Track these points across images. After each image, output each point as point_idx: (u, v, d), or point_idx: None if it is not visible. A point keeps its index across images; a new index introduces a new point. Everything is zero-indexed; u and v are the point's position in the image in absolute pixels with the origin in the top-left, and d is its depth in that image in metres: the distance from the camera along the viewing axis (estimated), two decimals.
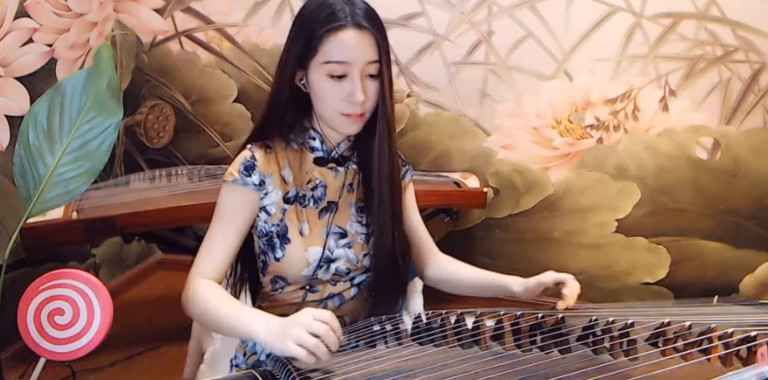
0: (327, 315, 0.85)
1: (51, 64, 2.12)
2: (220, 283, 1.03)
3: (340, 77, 1.00)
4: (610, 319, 0.93)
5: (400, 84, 2.37)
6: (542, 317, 0.97)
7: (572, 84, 2.23)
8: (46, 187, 1.43)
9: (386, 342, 0.98)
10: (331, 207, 1.13)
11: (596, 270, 2.38)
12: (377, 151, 1.08)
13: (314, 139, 1.10)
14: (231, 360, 1.22)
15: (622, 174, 2.26)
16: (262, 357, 1.17)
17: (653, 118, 2.19)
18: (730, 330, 0.85)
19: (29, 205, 1.43)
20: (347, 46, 0.98)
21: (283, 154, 1.10)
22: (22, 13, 1.98)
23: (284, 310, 1.13)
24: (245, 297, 1.21)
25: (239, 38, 2.51)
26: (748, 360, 0.83)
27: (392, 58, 1.08)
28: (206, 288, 1.00)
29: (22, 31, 2.00)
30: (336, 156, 1.12)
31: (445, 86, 2.35)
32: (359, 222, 1.14)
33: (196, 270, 1.03)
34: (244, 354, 1.19)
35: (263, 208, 1.08)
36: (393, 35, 1.03)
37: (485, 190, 2.21)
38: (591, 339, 0.92)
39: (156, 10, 2.55)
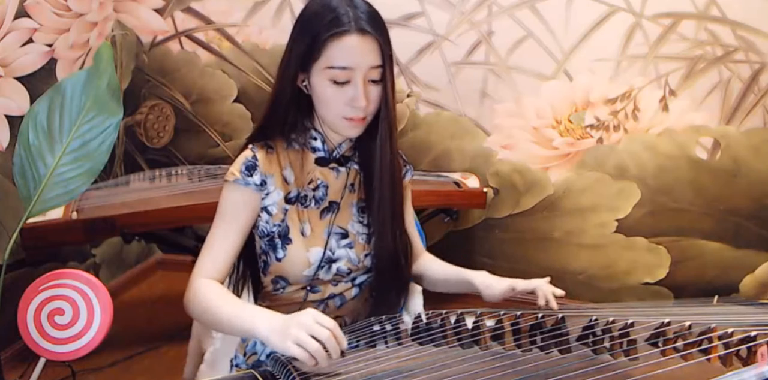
0: (330, 321, 0.84)
1: (51, 64, 2.12)
2: (222, 283, 1.03)
3: (343, 82, 1.00)
4: (610, 319, 0.93)
5: (400, 84, 2.37)
6: (542, 317, 0.97)
7: (572, 84, 2.23)
8: (46, 187, 1.43)
9: (386, 342, 0.98)
10: (333, 207, 1.13)
11: (596, 270, 2.38)
12: (379, 152, 1.08)
13: (315, 139, 1.10)
14: (231, 360, 1.22)
15: (622, 174, 2.26)
16: (262, 357, 1.17)
17: (653, 118, 2.19)
18: (730, 330, 0.85)
19: (29, 205, 1.43)
20: (351, 51, 0.98)
21: (284, 154, 1.10)
22: (22, 13, 1.98)
23: (286, 310, 1.13)
24: (248, 296, 1.21)
25: (239, 38, 2.51)
26: (748, 360, 0.83)
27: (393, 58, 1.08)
28: (208, 287, 1.00)
29: (22, 31, 2.00)
30: (337, 156, 1.12)
31: (445, 86, 2.35)
32: (360, 222, 1.14)
33: (198, 270, 1.03)
34: (245, 354, 1.19)
35: (264, 208, 1.08)
36: (393, 35, 1.03)
37: (485, 190, 2.21)
38: (591, 339, 0.92)
39: (156, 10, 2.55)
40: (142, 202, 1.98)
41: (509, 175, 2.38)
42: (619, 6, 2.11)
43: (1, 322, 1.81)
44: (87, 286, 1.40)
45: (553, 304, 1.06)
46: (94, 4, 2.32)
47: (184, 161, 2.72)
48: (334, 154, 1.12)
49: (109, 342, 1.50)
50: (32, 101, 2.00)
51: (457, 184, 2.23)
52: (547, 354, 0.92)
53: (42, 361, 1.55)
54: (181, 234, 2.30)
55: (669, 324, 0.89)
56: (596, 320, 0.94)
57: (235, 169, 1.06)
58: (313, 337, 0.82)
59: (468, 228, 2.47)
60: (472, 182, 2.25)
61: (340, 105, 1.01)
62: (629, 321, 0.90)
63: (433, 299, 1.42)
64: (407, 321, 1.03)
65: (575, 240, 2.37)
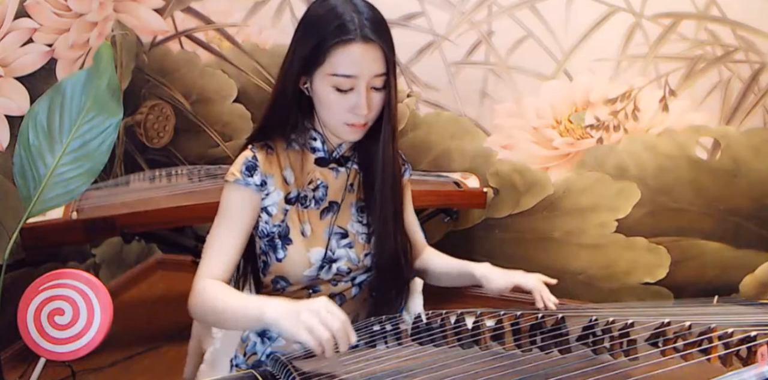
0: (342, 313, 0.84)
1: (51, 64, 2.12)
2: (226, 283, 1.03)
3: (346, 90, 0.99)
4: (610, 319, 0.93)
5: (400, 84, 2.35)
6: (542, 317, 0.97)
7: (572, 84, 2.23)
8: (46, 187, 1.43)
9: (386, 342, 0.98)
10: (333, 207, 1.13)
11: (596, 270, 2.38)
12: (381, 155, 1.08)
13: (315, 139, 1.11)
14: (231, 360, 1.22)
15: (622, 174, 2.26)
16: (263, 357, 1.17)
17: (653, 118, 2.19)
18: (730, 330, 0.85)
19: (29, 205, 1.43)
20: (355, 60, 0.97)
21: (284, 154, 1.10)
22: (22, 13, 1.98)
23: None
24: (249, 294, 1.21)
25: (239, 38, 2.51)
26: (748, 360, 0.83)
27: None
28: (213, 286, 0.99)
29: (22, 31, 2.00)
30: (337, 156, 1.12)
31: (445, 86, 2.35)
32: (360, 222, 1.14)
33: (202, 272, 1.03)
34: (245, 354, 1.19)
35: (264, 209, 1.08)
36: (393, 35, 1.03)
37: (485, 190, 2.21)
38: (591, 339, 0.92)
39: (156, 10, 2.55)
40: (142, 202, 1.98)
41: (509, 175, 2.38)
42: (619, 6, 2.11)
43: (1, 322, 1.81)
44: (87, 286, 1.40)
45: (551, 306, 1.06)
46: (94, 4, 2.32)
47: (184, 161, 2.72)
48: (333, 155, 1.12)
49: (109, 342, 1.50)
50: (32, 101, 2.00)
51: (457, 184, 2.23)
52: (547, 354, 0.92)
53: (42, 361, 1.55)
54: (181, 234, 2.30)
55: (669, 324, 0.89)
56: (596, 320, 0.94)
57: (235, 169, 1.06)
58: (324, 327, 0.81)
59: (468, 228, 2.47)
60: (472, 182, 2.25)
61: (342, 111, 1.01)
62: (629, 321, 0.91)
63: (433, 299, 1.42)
64: (407, 321, 1.03)
65: (575, 240, 2.37)
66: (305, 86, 1.05)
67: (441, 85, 2.35)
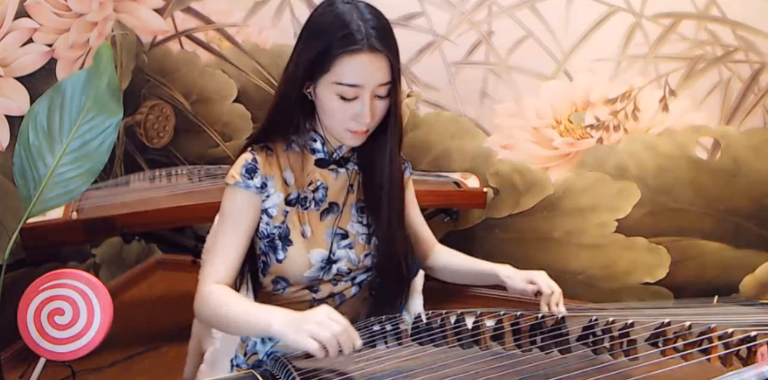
0: (344, 319, 0.86)
1: (51, 64, 2.12)
2: (230, 287, 1.03)
3: (351, 99, 0.99)
4: (610, 319, 0.93)
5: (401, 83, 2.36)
6: (542, 317, 0.97)
7: (572, 84, 2.23)
8: (46, 187, 1.43)
9: (386, 342, 0.98)
10: (333, 208, 1.13)
11: (596, 270, 2.38)
12: (387, 161, 1.09)
13: (315, 140, 1.10)
14: (231, 360, 1.22)
15: (622, 174, 2.26)
16: (263, 357, 1.17)
17: (653, 118, 2.19)
18: (730, 330, 0.85)
19: (29, 205, 1.43)
20: (361, 70, 0.97)
21: (284, 156, 1.10)
22: (22, 13, 1.98)
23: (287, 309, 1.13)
24: (246, 293, 1.21)
25: (239, 38, 2.51)
26: (748, 360, 0.83)
27: None
28: (218, 290, 1.00)
29: (22, 31, 2.00)
30: (337, 158, 1.12)
31: (445, 86, 2.35)
32: (360, 222, 1.14)
33: (206, 275, 1.03)
34: (245, 354, 1.19)
35: (265, 211, 1.08)
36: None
37: (485, 190, 2.21)
38: (591, 339, 0.92)
39: (156, 10, 2.55)
40: (142, 202, 1.98)
41: (509, 175, 2.38)
42: (619, 6, 2.11)
43: (1, 322, 1.81)
44: (87, 286, 1.40)
45: (555, 310, 1.05)
46: (94, 4, 2.32)
47: (184, 161, 2.72)
48: (333, 156, 1.12)
49: (109, 342, 1.50)
50: (32, 101, 2.00)
51: (457, 184, 2.23)
52: (547, 354, 0.92)
53: (42, 361, 1.55)
54: (181, 234, 2.30)
55: (669, 324, 0.89)
56: (596, 320, 0.94)
57: (236, 171, 1.06)
58: (326, 331, 0.83)
59: (468, 228, 2.47)
60: (472, 182, 2.25)
61: (345, 118, 1.01)
62: (629, 321, 0.91)
63: (433, 299, 1.42)
64: (407, 321, 1.03)
65: (575, 240, 2.37)
66: (308, 91, 1.04)
67: (441, 85, 2.35)
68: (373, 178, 1.11)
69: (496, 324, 0.97)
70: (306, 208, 1.10)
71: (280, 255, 1.09)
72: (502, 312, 0.99)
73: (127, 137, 2.71)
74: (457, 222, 2.42)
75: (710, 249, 2.25)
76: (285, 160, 1.10)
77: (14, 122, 1.98)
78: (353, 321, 1.16)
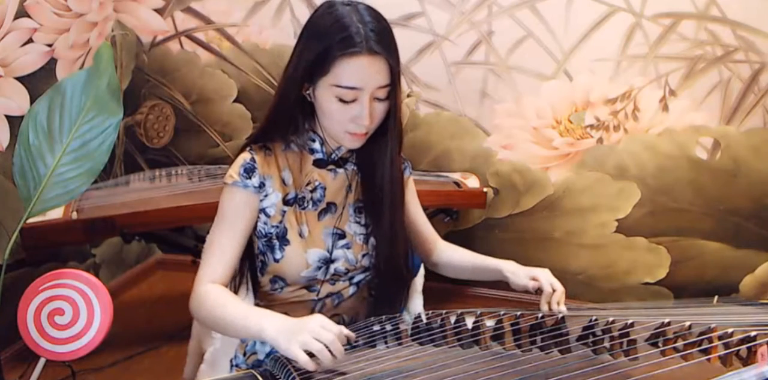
0: (336, 327, 0.85)
1: (51, 64, 2.12)
2: (227, 287, 1.03)
3: (349, 101, 0.99)
4: (610, 319, 0.93)
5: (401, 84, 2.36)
6: (542, 317, 0.97)
7: (572, 84, 2.23)
8: (46, 187, 1.43)
9: (386, 342, 0.98)
10: (331, 208, 1.13)
11: (596, 270, 2.38)
12: (388, 163, 1.09)
13: (314, 140, 1.11)
14: (231, 360, 1.22)
15: (622, 174, 2.26)
16: (262, 357, 1.17)
17: (653, 118, 2.19)
18: (730, 330, 0.85)
19: (29, 205, 1.43)
20: (360, 72, 0.97)
21: (282, 156, 1.10)
22: (22, 13, 1.98)
23: (283, 309, 1.13)
24: (246, 292, 1.21)
25: (239, 38, 2.51)
26: (748, 360, 0.83)
27: None
28: (214, 291, 1.00)
29: (22, 31, 2.00)
30: (336, 158, 1.12)
31: (445, 86, 2.35)
32: (357, 222, 1.14)
33: (203, 274, 1.03)
34: (244, 354, 1.19)
35: (263, 210, 1.08)
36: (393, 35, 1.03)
37: (485, 190, 2.21)
38: (591, 339, 0.92)
39: (156, 10, 2.55)
40: (142, 202, 1.98)
41: (509, 175, 2.38)
42: (619, 6, 2.11)
43: (1, 322, 1.81)
44: (87, 286, 1.40)
45: (556, 309, 1.05)
46: (94, 4, 2.32)
47: (184, 161, 2.72)
48: (332, 156, 1.12)
49: (109, 342, 1.50)
50: (32, 101, 2.00)
51: (457, 183, 2.23)
52: (547, 354, 0.92)
53: (42, 361, 1.55)
54: (181, 234, 2.30)
55: (669, 324, 0.89)
56: (596, 320, 0.94)
57: (234, 171, 1.06)
58: (318, 341, 0.83)
59: (468, 228, 2.47)
60: (472, 182, 2.25)
61: (344, 121, 1.01)
62: (629, 321, 0.91)
63: (433, 299, 1.42)
64: (407, 321, 1.03)
65: (575, 240, 2.37)
66: (307, 92, 1.04)
67: (441, 85, 2.35)
68: (373, 179, 1.11)
69: (496, 324, 0.97)
70: (304, 208, 1.10)
71: (278, 255, 1.09)
72: (502, 312, 0.99)
73: (127, 137, 2.71)
74: (457, 222, 2.42)
75: (710, 249, 2.25)
76: (283, 159, 1.10)
77: (14, 122, 1.98)
78: (352, 321, 1.17)
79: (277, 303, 1.15)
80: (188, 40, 2.57)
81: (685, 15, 2.07)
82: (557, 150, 2.31)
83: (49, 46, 2.11)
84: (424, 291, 1.44)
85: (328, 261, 1.10)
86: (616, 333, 0.91)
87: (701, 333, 0.87)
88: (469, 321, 0.97)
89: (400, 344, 0.97)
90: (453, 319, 0.98)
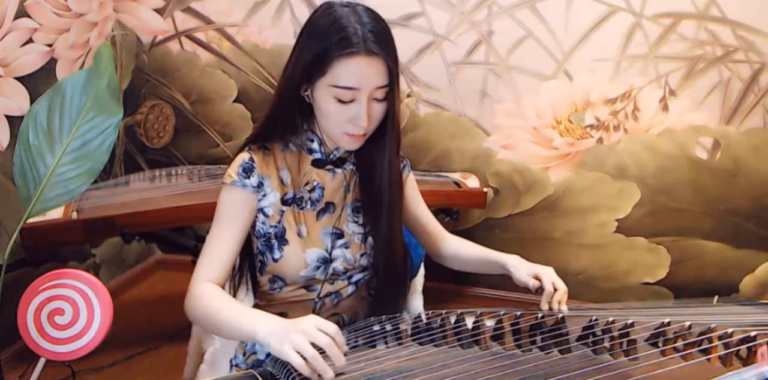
0: (332, 328, 0.83)
1: (51, 64, 2.12)
2: (223, 287, 1.03)
3: (347, 101, 0.99)
4: (610, 319, 0.93)
5: (400, 84, 2.36)
6: (542, 317, 0.97)
7: (572, 84, 2.23)
8: (46, 187, 1.43)
9: (386, 342, 0.98)
10: (329, 208, 1.13)
11: (596, 270, 2.38)
12: (386, 165, 1.09)
13: (312, 140, 1.11)
14: (231, 360, 1.22)
15: (622, 174, 2.26)
16: (262, 357, 1.17)
17: (653, 118, 2.19)
18: (730, 330, 0.85)
19: (29, 205, 1.43)
20: (357, 73, 0.97)
21: (281, 156, 1.10)
22: (22, 13, 1.99)
23: (282, 308, 1.13)
24: (245, 292, 1.21)
25: (239, 38, 2.51)
26: (748, 360, 0.83)
27: None
28: (209, 291, 0.99)
29: (22, 31, 2.00)
30: (334, 158, 1.12)
31: (445, 86, 2.35)
32: (355, 222, 1.14)
33: (198, 274, 1.03)
34: (244, 354, 1.19)
35: (261, 210, 1.08)
36: (393, 35, 1.03)
37: (485, 190, 2.21)
38: (591, 339, 0.92)
39: (156, 10, 2.55)
40: (142, 202, 1.98)
41: (509, 175, 2.38)
42: (619, 6, 2.11)
43: (1, 322, 1.81)
44: (87, 286, 1.40)
45: (556, 308, 1.05)
46: (94, 4, 2.32)
47: (184, 161, 2.72)
48: (330, 157, 1.12)
49: (109, 342, 1.50)
50: (32, 101, 2.00)
51: (457, 183, 2.23)
52: (547, 354, 0.92)
53: (42, 361, 1.55)
54: (181, 234, 2.30)
55: (669, 324, 0.89)
56: (596, 320, 0.94)
57: (232, 171, 1.07)
58: (313, 344, 0.81)
59: (468, 228, 2.47)
60: (472, 182, 2.25)
61: (342, 121, 1.01)
62: (629, 321, 0.91)
63: (433, 299, 1.42)
64: (407, 321, 1.03)
65: (575, 240, 2.37)
66: (306, 93, 1.04)
67: (441, 85, 2.35)
68: (372, 180, 1.11)
69: (496, 324, 0.97)
70: (302, 208, 1.11)
71: (276, 255, 1.09)
72: (502, 312, 0.99)
73: (127, 137, 2.71)
74: (457, 222, 2.42)
75: (710, 249, 2.25)
76: (282, 159, 1.10)
77: (14, 122, 1.98)
78: (352, 321, 1.17)
79: (277, 302, 1.15)
80: (188, 40, 2.57)
81: (685, 15, 2.07)
82: (557, 150, 2.31)
83: (49, 46, 2.11)
84: (424, 291, 1.44)
85: (326, 261, 1.11)
86: (616, 333, 0.91)
87: (701, 333, 0.87)
88: (469, 321, 0.97)
89: (400, 344, 0.97)
90: (453, 319, 0.98)
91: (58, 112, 1.44)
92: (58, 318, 1.40)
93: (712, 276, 2.27)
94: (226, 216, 1.06)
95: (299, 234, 1.09)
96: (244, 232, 1.07)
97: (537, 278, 1.09)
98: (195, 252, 2.24)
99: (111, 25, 2.47)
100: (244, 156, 1.07)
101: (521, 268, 1.12)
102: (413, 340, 0.98)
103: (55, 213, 1.84)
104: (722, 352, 0.84)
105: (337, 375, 0.82)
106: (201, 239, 2.27)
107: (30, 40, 2.03)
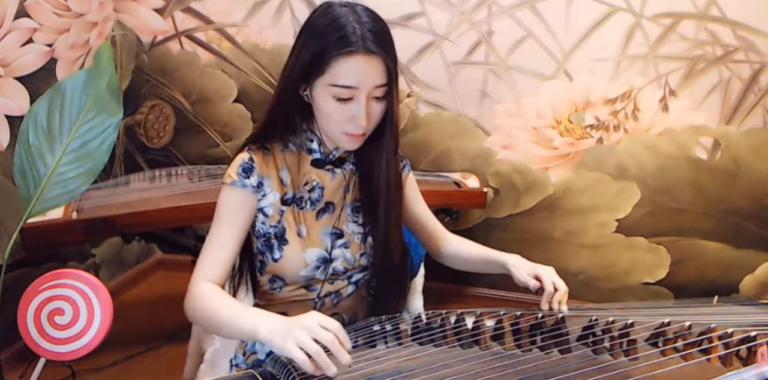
0: (335, 325, 0.83)
1: (51, 64, 2.12)
2: (223, 286, 1.03)
3: (346, 99, 0.99)
4: (610, 319, 0.93)
5: (400, 84, 2.36)
6: (542, 317, 0.97)
7: (572, 84, 2.23)
8: (46, 187, 1.43)
9: (386, 342, 0.98)
10: (329, 208, 1.13)
11: (596, 270, 2.38)
12: (383, 164, 1.09)
13: (312, 140, 1.11)
14: (231, 360, 1.22)
15: (622, 174, 2.26)
16: (262, 357, 1.17)
17: (653, 118, 2.19)
18: (730, 330, 0.85)
19: (29, 205, 1.43)
20: (356, 71, 0.97)
21: (280, 156, 1.10)
22: (22, 13, 1.99)
23: (283, 308, 1.13)
24: (245, 292, 1.21)
25: (239, 38, 2.51)
26: (748, 360, 0.83)
27: None
28: (208, 291, 0.99)
29: (22, 31, 2.00)
30: (333, 158, 1.12)
31: (445, 86, 2.35)
32: (355, 222, 1.14)
33: (198, 274, 1.03)
34: (244, 354, 1.19)
35: (261, 210, 1.08)
36: (393, 35, 1.03)
37: (485, 190, 2.21)
38: (591, 339, 0.92)
39: (156, 10, 2.55)
40: (142, 202, 1.98)
41: (509, 175, 2.38)
42: (619, 6, 2.11)
43: (1, 322, 1.81)
44: (87, 286, 1.40)
45: (557, 308, 1.05)
46: (94, 4, 2.32)
47: (184, 161, 2.72)
48: (330, 157, 1.12)
49: (109, 342, 1.50)
50: (32, 101, 2.00)
51: (457, 183, 2.23)
52: (547, 354, 0.92)
53: (42, 361, 1.55)
54: (181, 234, 2.30)
55: (669, 324, 0.89)
56: (596, 320, 0.94)
57: (232, 171, 1.07)
58: (316, 341, 0.80)
59: (468, 228, 2.47)
60: (472, 182, 2.25)
61: (341, 121, 1.01)
62: (629, 321, 0.91)
63: (433, 299, 1.42)
64: (407, 321, 1.03)
65: (575, 240, 2.37)
66: (305, 93, 1.05)
67: (441, 85, 2.35)
68: (371, 180, 1.11)
69: (496, 324, 0.97)
70: (302, 208, 1.11)
71: (276, 255, 1.09)
72: (502, 312, 0.99)
73: (127, 137, 2.71)
74: (457, 222, 2.42)
75: (710, 249, 2.25)
76: (281, 159, 1.10)
77: (14, 122, 1.98)
78: (352, 320, 1.17)
79: (277, 302, 1.15)
80: (188, 40, 2.57)
81: (685, 15, 2.07)
82: (557, 150, 2.31)
83: (49, 46, 2.11)
84: (424, 291, 1.44)
85: (326, 261, 1.11)
86: (616, 333, 0.91)
87: (701, 333, 0.87)
88: (469, 321, 0.97)
89: (400, 344, 0.97)
90: (453, 319, 0.98)
91: (58, 112, 1.44)
92: (58, 318, 1.40)
93: (712, 276, 2.27)
94: (226, 216, 1.06)
95: (299, 234, 1.09)
96: (244, 232, 1.07)
97: (537, 278, 1.09)
98: (195, 252, 2.24)
99: (111, 25, 2.47)
100: (243, 156, 1.07)
101: (522, 268, 1.12)
102: (413, 340, 0.98)
103: (55, 213, 1.84)
104: (722, 352, 0.84)
105: (337, 375, 0.82)
106: (201, 239, 2.27)
107: (30, 40, 2.03)
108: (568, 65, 2.21)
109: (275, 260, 1.10)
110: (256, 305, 1.19)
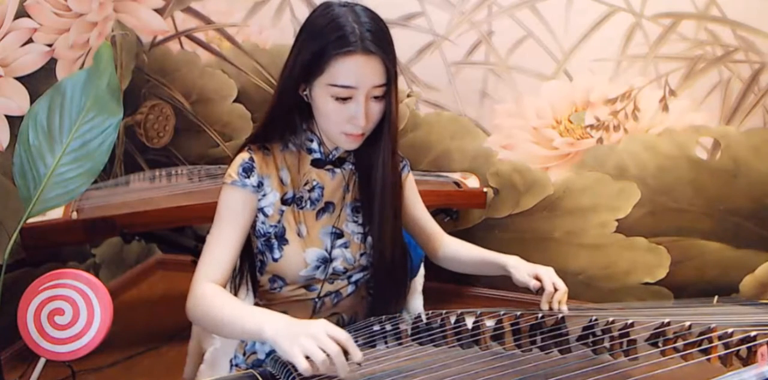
0: (343, 335, 0.83)
1: (51, 64, 2.12)
2: (224, 286, 1.03)
3: (345, 99, 0.99)
4: (610, 319, 0.93)
5: (400, 84, 2.36)
6: (542, 317, 0.97)
7: (572, 84, 2.23)
8: (46, 187, 1.43)
9: (386, 342, 0.98)
10: (329, 208, 1.13)
11: (596, 270, 2.38)
12: (381, 163, 1.09)
13: (312, 140, 1.11)
14: (231, 360, 1.22)
15: (622, 174, 2.26)
16: (262, 357, 1.17)
17: (653, 118, 2.19)
18: (730, 330, 0.85)
19: (29, 205, 1.43)
20: (355, 71, 0.97)
21: (280, 156, 1.11)
22: (22, 13, 1.99)
23: (283, 308, 1.13)
24: (246, 291, 1.21)
25: (239, 38, 2.51)
26: (748, 360, 0.83)
27: None
28: (211, 291, 0.99)
29: (22, 31, 2.00)
30: (333, 158, 1.12)
31: (445, 86, 2.35)
32: (355, 221, 1.14)
33: (200, 274, 1.02)
34: (244, 354, 1.19)
35: (261, 210, 1.08)
36: (393, 35, 1.03)
37: (485, 189, 2.21)
38: (591, 339, 0.92)
39: (156, 10, 2.55)
40: (142, 202, 1.98)
41: (509, 175, 2.38)
42: (619, 6, 2.11)
43: (1, 322, 1.81)
44: (87, 286, 1.40)
45: (557, 308, 1.05)
46: (94, 4, 2.32)
47: (184, 161, 2.72)
48: (330, 156, 1.12)
49: (109, 342, 1.50)
50: (32, 101, 2.00)
51: (457, 184, 2.23)
52: (547, 354, 0.92)
53: (42, 361, 1.56)
54: (181, 234, 2.30)
55: (669, 324, 0.89)
56: (596, 320, 0.94)
57: (232, 170, 1.07)
58: (321, 349, 0.80)
59: (468, 228, 2.47)
60: (472, 182, 2.25)
61: (341, 121, 1.01)
62: (629, 321, 0.91)
63: (433, 299, 1.42)
64: (407, 321, 1.03)
65: (575, 240, 2.37)
66: (305, 93, 1.05)
67: (441, 85, 2.35)
68: (370, 180, 1.11)
69: (496, 324, 0.97)
70: (302, 208, 1.11)
71: (276, 254, 1.09)
72: (502, 312, 0.99)
73: (127, 137, 2.71)
74: (457, 222, 2.42)
75: (710, 249, 2.25)
76: (281, 159, 1.10)
77: (14, 122, 1.98)
78: (352, 320, 1.17)
79: (277, 302, 1.15)
80: (188, 40, 2.57)
81: (685, 15, 2.07)
82: (557, 150, 2.31)
83: (49, 46, 2.11)
84: (424, 291, 1.45)
85: (326, 261, 1.11)
86: (616, 333, 0.91)
87: (701, 333, 0.87)
88: (469, 321, 0.97)
89: (400, 344, 0.97)
90: (453, 319, 0.98)
91: (58, 112, 1.44)
92: (58, 318, 1.40)
93: (712, 276, 2.27)
94: (226, 216, 1.06)
95: (299, 234, 1.09)
96: (245, 232, 1.07)
97: (537, 278, 1.09)
98: (195, 252, 2.24)
99: (111, 25, 2.47)
100: (243, 156, 1.07)
101: (521, 269, 1.12)
102: (413, 340, 0.98)
103: (55, 213, 1.84)
104: (722, 352, 0.84)
105: (337, 374, 0.82)
106: (201, 239, 2.27)
107: (30, 40, 2.03)
108: (568, 65, 2.21)
109: (275, 260, 1.10)
110: (256, 304, 1.19)
